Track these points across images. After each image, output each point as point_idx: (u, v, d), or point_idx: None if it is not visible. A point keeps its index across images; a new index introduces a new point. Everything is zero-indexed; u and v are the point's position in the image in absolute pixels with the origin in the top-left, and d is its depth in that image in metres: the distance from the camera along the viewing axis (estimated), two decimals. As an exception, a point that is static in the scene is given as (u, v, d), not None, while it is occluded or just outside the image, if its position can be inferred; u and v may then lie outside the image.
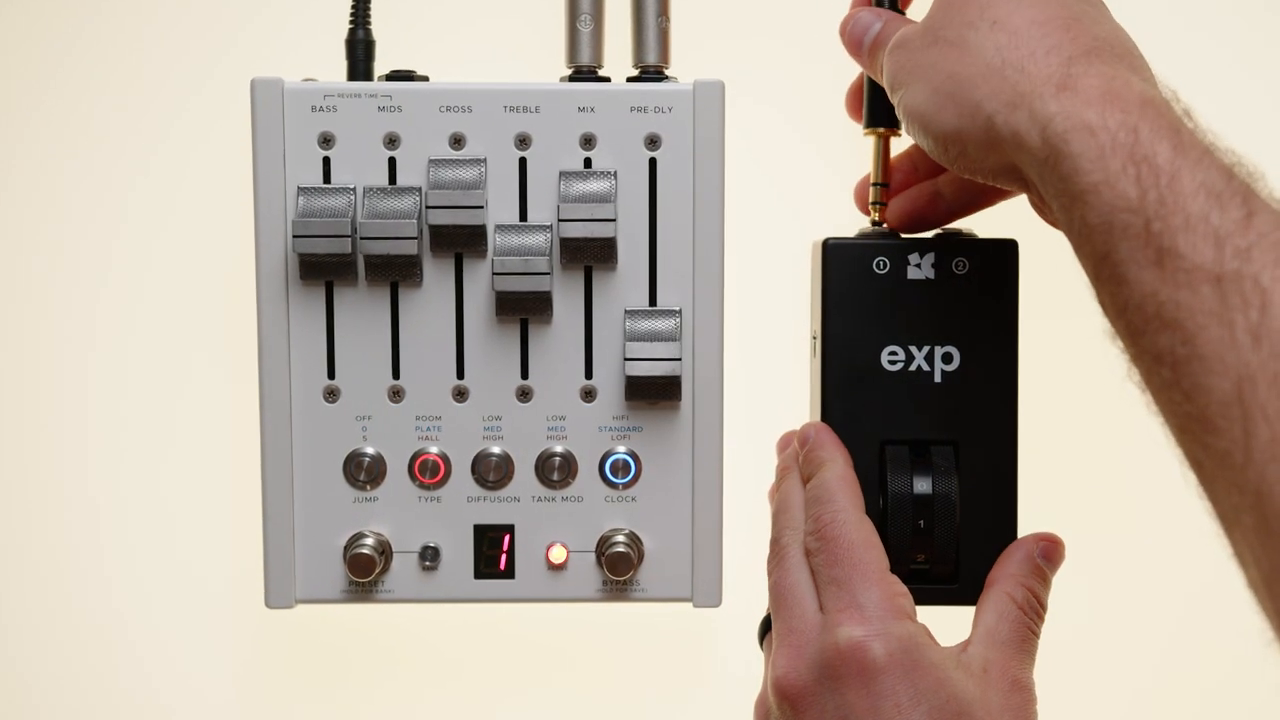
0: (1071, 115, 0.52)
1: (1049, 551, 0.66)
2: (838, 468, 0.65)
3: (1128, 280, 0.50)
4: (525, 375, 0.70)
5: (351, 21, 0.71)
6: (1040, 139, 0.53)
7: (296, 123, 0.68)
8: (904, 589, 0.62)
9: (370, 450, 0.70)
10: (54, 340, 1.00)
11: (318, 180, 0.68)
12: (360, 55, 0.70)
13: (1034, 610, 0.64)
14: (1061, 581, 0.66)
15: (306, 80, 0.69)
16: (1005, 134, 0.55)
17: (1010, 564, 0.65)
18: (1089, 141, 0.51)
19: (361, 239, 0.67)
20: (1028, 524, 0.68)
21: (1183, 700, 1.02)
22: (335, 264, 0.68)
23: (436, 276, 0.69)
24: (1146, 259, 0.49)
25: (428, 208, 0.67)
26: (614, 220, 0.68)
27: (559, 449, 0.70)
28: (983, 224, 0.69)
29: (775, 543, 0.65)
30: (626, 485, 0.70)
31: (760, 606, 0.68)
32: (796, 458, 0.67)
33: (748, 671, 0.75)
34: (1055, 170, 0.53)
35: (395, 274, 0.68)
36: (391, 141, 0.68)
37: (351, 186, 0.68)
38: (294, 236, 0.67)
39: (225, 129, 0.81)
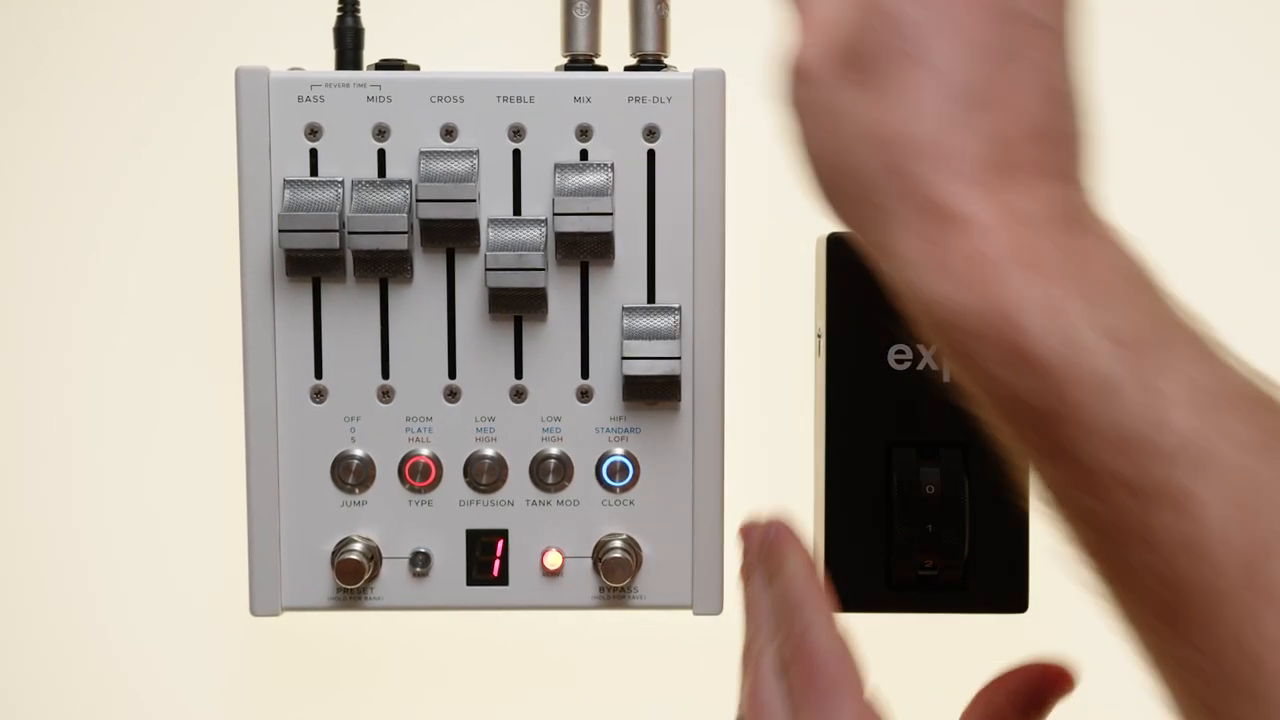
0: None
1: (1054, 683, 0.63)
2: (796, 566, 0.61)
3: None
4: (519, 375, 0.68)
5: (340, 9, 0.70)
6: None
7: (282, 113, 0.67)
8: (878, 711, 0.58)
9: (359, 452, 0.68)
10: (32, 339, 1.00)
11: (304, 173, 0.67)
12: (349, 44, 0.70)
13: None
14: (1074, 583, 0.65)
15: (293, 69, 0.67)
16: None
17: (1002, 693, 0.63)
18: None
19: (350, 234, 0.66)
20: (1039, 529, 0.66)
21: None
22: (322, 259, 0.67)
23: (427, 272, 0.67)
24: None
25: (418, 201, 0.66)
26: (611, 214, 0.66)
27: (554, 451, 0.68)
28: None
29: (747, 650, 0.62)
30: (624, 488, 0.69)
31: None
32: (759, 554, 0.63)
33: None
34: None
35: (384, 270, 0.67)
36: (381, 133, 0.67)
37: (339, 179, 0.67)
38: (280, 231, 0.66)
39: (209, 120, 0.81)
